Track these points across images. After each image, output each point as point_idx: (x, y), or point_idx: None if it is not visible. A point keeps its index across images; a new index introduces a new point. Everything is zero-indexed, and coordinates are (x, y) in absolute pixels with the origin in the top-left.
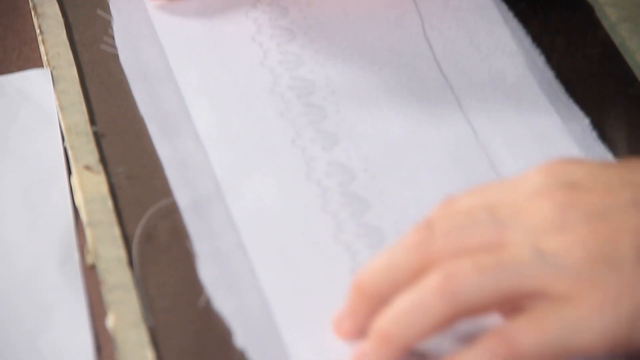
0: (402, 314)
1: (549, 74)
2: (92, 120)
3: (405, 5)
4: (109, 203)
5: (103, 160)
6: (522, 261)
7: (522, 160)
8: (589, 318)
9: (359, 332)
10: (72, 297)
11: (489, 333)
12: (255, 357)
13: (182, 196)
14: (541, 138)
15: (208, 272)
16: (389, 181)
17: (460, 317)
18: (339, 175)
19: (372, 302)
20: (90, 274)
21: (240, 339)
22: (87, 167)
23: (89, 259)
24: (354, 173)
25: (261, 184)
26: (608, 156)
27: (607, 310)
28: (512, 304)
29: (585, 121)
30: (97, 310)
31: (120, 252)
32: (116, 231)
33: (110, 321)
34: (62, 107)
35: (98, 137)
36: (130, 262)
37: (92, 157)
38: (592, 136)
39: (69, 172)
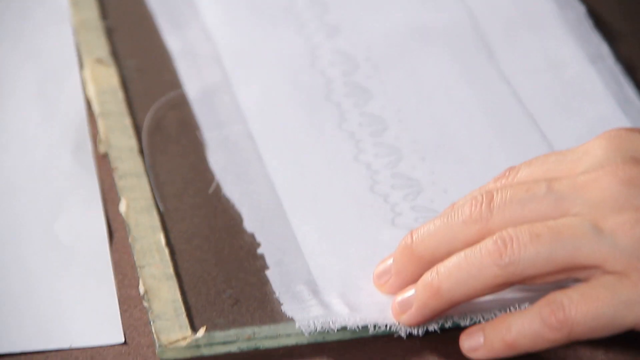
0: (455, 272)
1: None
2: (103, 15)
3: None
4: (120, 94)
5: (114, 53)
6: (580, 235)
7: (518, 47)
8: None
9: (402, 288)
10: (85, 184)
11: (542, 301)
12: (263, 240)
13: (191, 87)
14: (536, 25)
15: (217, 160)
16: (390, 71)
17: (513, 283)
18: (342, 65)
19: (422, 266)
20: (103, 162)
21: (249, 223)
22: (99, 60)
23: (102, 148)
24: (357, 62)
25: (268, 73)
26: (602, 45)
27: None
28: (565, 274)
29: (581, 9)
30: (109, 196)
31: (132, 141)
32: (127, 121)
33: (123, 206)
34: (73, 3)
35: (109, 32)
36: (141, 151)
37: (103, 50)
38: (587, 24)
39: (81, 66)
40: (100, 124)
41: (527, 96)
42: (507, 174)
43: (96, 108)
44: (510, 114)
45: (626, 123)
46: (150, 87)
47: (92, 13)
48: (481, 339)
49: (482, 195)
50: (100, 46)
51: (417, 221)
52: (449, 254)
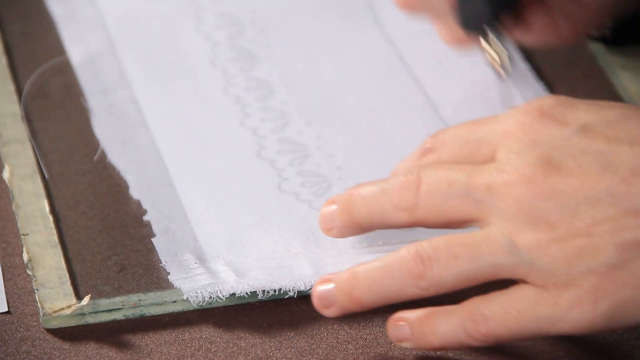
0: (374, 286)
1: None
2: None
3: None
4: (4, 60)
5: None
6: (498, 252)
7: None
8: (566, 313)
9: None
10: None
11: (465, 310)
12: (150, 207)
13: (75, 52)
14: None
15: (102, 127)
16: (276, 34)
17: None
18: (227, 28)
19: (360, 230)
20: None
21: (135, 190)
22: None
23: None
24: (243, 25)
25: (152, 37)
26: None
27: (583, 308)
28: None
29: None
30: None
31: (15, 107)
32: (11, 87)
33: (6, 173)
34: None
35: None
36: (25, 117)
37: None
38: None
39: None
40: None
41: (412, 59)
42: (430, 146)
43: None
44: (395, 77)
45: (509, 84)
46: (34, 52)
47: None
48: (407, 331)
49: (411, 179)
50: None
51: (304, 186)
52: (381, 225)
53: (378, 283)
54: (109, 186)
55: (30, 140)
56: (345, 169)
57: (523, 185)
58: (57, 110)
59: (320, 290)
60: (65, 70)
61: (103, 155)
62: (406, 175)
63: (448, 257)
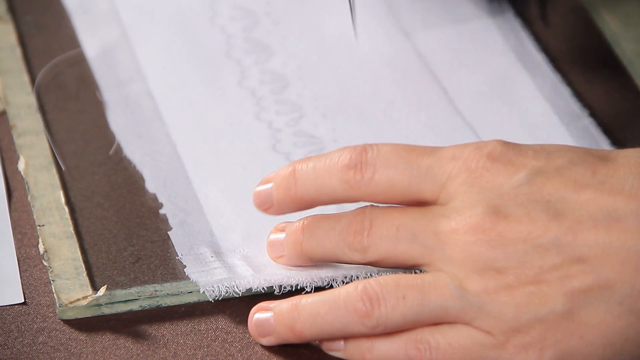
0: (318, 322)
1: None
2: None
3: None
4: (18, 51)
5: (11, 9)
6: (446, 296)
7: (419, 2)
8: (512, 358)
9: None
10: None
11: (410, 335)
12: (165, 201)
13: (90, 44)
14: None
15: (117, 120)
16: (291, 26)
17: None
18: (242, 20)
19: (309, 261)
20: (1, 120)
21: (151, 184)
22: None
23: (0, 106)
24: (257, 17)
25: (167, 29)
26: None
27: (530, 355)
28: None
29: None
30: (8, 154)
31: (30, 98)
32: (25, 78)
33: (22, 164)
34: None
35: None
36: (40, 108)
37: (0, 6)
38: None
39: None
40: None
41: (427, 51)
42: (365, 159)
43: None
44: (410, 69)
45: (525, 76)
46: (49, 44)
47: None
48: (341, 345)
49: (363, 221)
50: None
51: None
52: (334, 261)
53: (322, 318)
54: (125, 177)
55: (45, 132)
56: None
57: (471, 234)
58: (71, 101)
59: (258, 318)
60: (79, 62)
61: (118, 149)
62: (357, 216)
63: (396, 297)
